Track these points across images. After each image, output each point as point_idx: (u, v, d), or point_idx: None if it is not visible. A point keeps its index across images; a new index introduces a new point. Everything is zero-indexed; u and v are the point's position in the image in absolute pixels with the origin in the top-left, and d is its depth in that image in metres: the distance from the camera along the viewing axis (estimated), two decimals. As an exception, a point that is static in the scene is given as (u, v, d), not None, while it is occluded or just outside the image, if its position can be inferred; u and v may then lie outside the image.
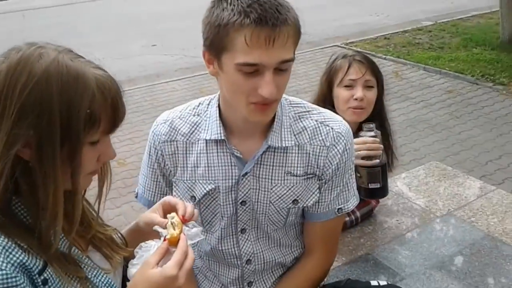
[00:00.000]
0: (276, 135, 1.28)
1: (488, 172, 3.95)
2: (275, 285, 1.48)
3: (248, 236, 1.39)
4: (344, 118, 1.69)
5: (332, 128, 1.32)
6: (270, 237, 1.41)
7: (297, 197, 1.33)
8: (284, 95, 1.35)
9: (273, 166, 1.30)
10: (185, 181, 1.34)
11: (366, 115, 1.90)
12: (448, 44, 7.24)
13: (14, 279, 0.83)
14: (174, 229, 1.02)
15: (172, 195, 1.38)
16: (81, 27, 8.82)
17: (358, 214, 2.10)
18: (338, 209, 1.39)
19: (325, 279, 1.55)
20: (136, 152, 4.41)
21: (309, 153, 1.31)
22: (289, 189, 1.32)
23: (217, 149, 1.30)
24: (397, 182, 2.43)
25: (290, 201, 1.33)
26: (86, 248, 1.06)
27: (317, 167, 1.32)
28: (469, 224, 2.11)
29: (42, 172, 0.86)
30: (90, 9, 10.36)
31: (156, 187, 1.39)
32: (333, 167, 1.32)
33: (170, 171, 1.35)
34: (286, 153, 1.30)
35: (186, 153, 1.33)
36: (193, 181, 1.33)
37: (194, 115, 1.34)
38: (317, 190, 1.35)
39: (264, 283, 1.47)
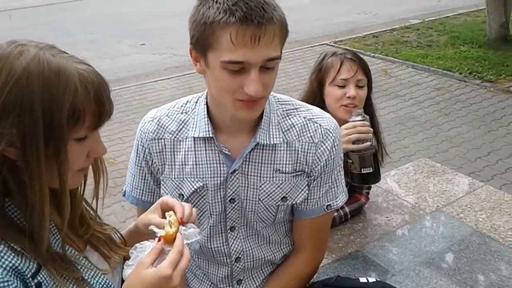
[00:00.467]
0: (264, 132, 1.27)
1: (477, 169, 3.99)
2: (264, 282, 1.47)
3: (237, 234, 1.39)
4: (335, 116, 1.70)
5: (320, 125, 1.32)
6: (260, 234, 1.40)
7: (286, 194, 1.33)
8: (272, 93, 1.34)
9: (261, 163, 1.30)
10: (173, 179, 1.33)
11: None
12: (436, 42, 7.30)
13: (6, 283, 0.81)
14: (170, 227, 1.01)
15: (160, 193, 1.37)
16: (69, 27, 8.74)
17: (347, 210, 2.10)
18: (327, 205, 1.39)
19: (315, 276, 1.55)
20: (126, 151, 4.39)
21: (298, 150, 1.31)
22: (278, 186, 1.31)
23: (205, 146, 1.29)
24: (387, 179, 2.43)
25: (279, 198, 1.33)
26: (83, 249, 1.04)
27: (305, 164, 1.32)
28: (458, 220, 2.12)
29: (28, 171, 0.84)
30: (77, 8, 10.26)
31: (144, 185, 1.38)
32: (322, 163, 1.32)
33: (158, 169, 1.34)
34: (275, 150, 1.30)
35: (173, 151, 1.32)
36: (181, 179, 1.32)
37: (181, 113, 1.33)
38: (306, 187, 1.35)
39: (254, 280, 1.47)
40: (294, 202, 1.35)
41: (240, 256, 1.41)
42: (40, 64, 0.83)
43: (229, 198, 1.32)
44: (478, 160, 4.14)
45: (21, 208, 0.89)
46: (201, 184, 1.31)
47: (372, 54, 6.87)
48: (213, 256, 1.42)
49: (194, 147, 1.30)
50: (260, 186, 1.31)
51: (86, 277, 0.98)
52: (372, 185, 2.21)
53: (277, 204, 1.33)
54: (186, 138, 1.31)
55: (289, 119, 1.32)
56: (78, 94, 0.86)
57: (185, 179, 1.32)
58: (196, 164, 1.30)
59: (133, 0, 11.11)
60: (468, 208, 2.19)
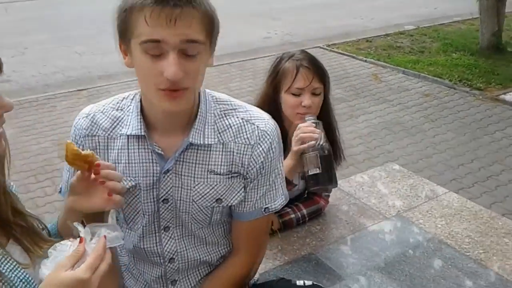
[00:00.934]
0: (198, 132, 1.24)
1: (459, 176, 3.96)
2: (200, 283, 1.45)
3: (171, 234, 1.36)
4: (292, 122, 1.69)
5: (257, 127, 1.29)
6: (195, 235, 1.38)
7: (221, 196, 1.30)
8: (211, 92, 1.32)
9: (195, 163, 1.27)
10: None
11: None
12: (429, 48, 7.28)
13: None
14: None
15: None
16: (62, 21, 8.74)
17: (305, 212, 2.08)
18: (265, 208, 1.36)
19: (257, 278, 1.53)
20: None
21: (233, 152, 1.28)
22: (212, 187, 1.29)
23: (138, 145, 1.27)
24: (350, 182, 2.42)
25: (214, 200, 1.30)
26: (5, 242, 1.02)
27: (241, 166, 1.29)
28: (416, 226, 2.10)
29: None
30: (71, 4, 10.28)
31: None
32: (258, 166, 1.30)
33: None
34: (209, 151, 1.27)
35: (107, 149, 1.29)
36: None
37: (116, 110, 1.30)
38: (242, 189, 1.32)
39: (189, 281, 1.44)
40: (229, 204, 1.32)
41: (174, 256, 1.39)
42: None
43: (162, 198, 1.30)
44: (461, 167, 4.12)
45: None
46: (133, 183, 1.28)
47: (364, 58, 6.85)
48: (146, 256, 1.39)
49: (127, 145, 1.27)
50: (194, 187, 1.28)
51: (3, 270, 0.95)
52: (333, 189, 2.19)
53: (211, 206, 1.31)
54: (119, 136, 1.28)
55: (226, 119, 1.29)
56: None
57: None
58: (128, 163, 1.28)
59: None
60: (428, 214, 2.17)
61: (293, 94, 1.88)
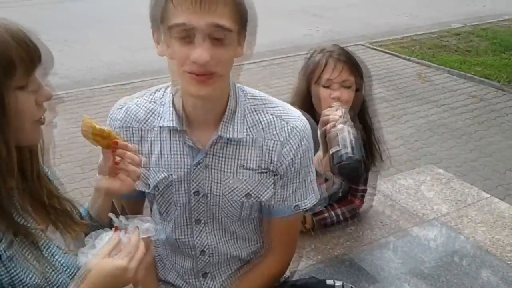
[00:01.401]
0: (228, 126, 1.25)
1: (505, 182, 3.82)
2: (231, 278, 1.46)
3: (203, 227, 1.38)
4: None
5: (287, 123, 1.29)
6: (226, 229, 1.39)
7: (250, 191, 1.30)
8: (242, 86, 1.32)
9: (225, 157, 1.28)
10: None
11: None
12: (476, 48, 7.03)
13: None
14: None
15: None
16: (109, 17, 8.96)
17: (339, 211, 2.06)
18: (295, 206, 1.36)
19: (287, 275, 1.53)
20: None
21: (263, 147, 1.28)
22: (242, 182, 1.29)
23: (170, 137, 1.29)
24: (389, 183, 2.37)
25: (243, 195, 1.30)
26: (45, 227, 1.05)
27: (271, 162, 1.29)
28: (457, 231, 2.03)
29: None
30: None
31: None
32: (287, 162, 1.29)
33: None
34: (240, 145, 1.27)
35: (141, 140, 1.32)
36: (147, 168, 1.32)
37: (150, 102, 1.32)
38: (272, 186, 1.32)
39: (220, 275, 1.46)
40: (259, 200, 1.32)
41: (205, 249, 1.40)
42: None
43: (193, 191, 1.31)
44: (508, 172, 3.97)
45: None
46: (165, 174, 1.30)
47: (408, 57, 6.69)
48: (178, 247, 1.42)
49: (160, 137, 1.30)
50: (224, 181, 1.29)
51: (46, 255, 0.99)
52: (368, 188, 2.15)
53: (241, 200, 1.31)
54: (153, 128, 1.30)
55: (257, 114, 1.29)
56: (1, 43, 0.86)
57: (150, 169, 1.32)
58: (161, 154, 1.30)
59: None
60: (470, 220, 2.10)
61: (323, 86, 1.85)
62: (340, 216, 2.06)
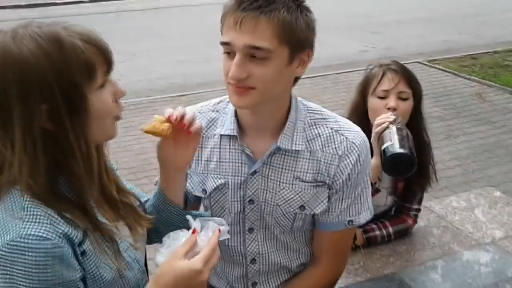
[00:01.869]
0: (287, 137, 1.28)
1: None
2: (280, 288, 1.47)
3: (255, 236, 1.40)
4: None
5: (346, 138, 1.30)
6: (278, 239, 1.41)
7: (304, 203, 1.32)
8: (302, 100, 1.35)
9: (282, 168, 1.31)
10: (198, 173, 1.38)
11: None
12: (542, 68, 6.73)
13: (60, 249, 0.88)
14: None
15: (186, 186, 1.42)
16: (169, 31, 9.29)
17: (390, 230, 2.02)
18: (349, 221, 1.36)
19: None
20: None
21: (320, 161, 1.30)
22: (297, 194, 1.31)
23: (229, 145, 1.33)
24: (443, 204, 2.31)
25: (297, 206, 1.32)
26: (114, 221, 1.08)
27: (327, 176, 1.31)
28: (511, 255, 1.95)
29: (68, 136, 0.91)
30: (177, 15, 10.89)
31: None
32: (344, 177, 1.30)
33: None
34: (297, 157, 1.30)
35: (201, 147, 1.37)
36: (205, 174, 1.37)
37: (213, 111, 1.38)
38: (326, 199, 1.33)
39: (269, 285, 1.47)
40: (312, 212, 1.34)
41: (256, 258, 1.43)
42: (36, 40, 0.88)
43: (248, 199, 1.35)
44: None
45: (70, 180, 0.96)
46: (222, 181, 1.35)
47: (468, 76, 6.52)
48: (230, 255, 1.45)
49: (220, 145, 1.35)
50: (279, 191, 1.32)
51: (120, 249, 1.03)
52: (423, 210, 2.11)
53: (294, 212, 1.33)
54: (213, 135, 1.36)
55: (316, 128, 1.32)
56: (80, 49, 0.91)
57: (208, 175, 1.37)
58: (219, 161, 1.35)
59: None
60: (527, 246, 2.01)
61: (379, 97, 1.85)
62: (392, 235, 2.03)
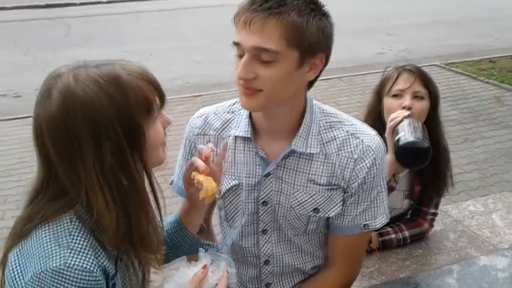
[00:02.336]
0: (301, 140, 1.27)
1: None
2: (293, 290, 1.47)
3: (269, 238, 1.40)
4: None
5: (362, 141, 1.29)
6: (292, 242, 1.40)
7: (318, 206, 1.31)
8: (318, 103, 1.34)
9: (296, 171, 1.30)
10: None
11: None
12: (562, 72, 6.61)
13: (100, 283, 0.91)
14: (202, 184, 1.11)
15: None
16: (185, 31, 9.33)
17: (406, 233, 2.00)
18: (364, 225, 1.35)
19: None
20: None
21: (335, 164, 1.29)
22: (311, 196, 1.31)
23: (244, 146, 1.33)
24: (460, 208, 2.28)
25: (311, 209, 1.32)
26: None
27: (342, 179, 1.30)
28: (531, 263, 1.92)
29: (132, 168, 0.96)
30: (193, 15, 10.93)
31: None
32: (359, 181, 1.29)
33: None
34: (311, 160, 1.29)
35: (215, 147, 1.37)
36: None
37: (228, 112, 1.38)
38: (341, 203, 1.32)
39: (282, 286, 1.47)
40: (326, 215, 1.33)
41: (269, 259, 1.42)
42: (98, 82, 0.92)
43: (261, 201, 1.34)
44: None
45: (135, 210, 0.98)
46: (236, 182, 1.35)
47: (486, 80, 6.43)
48: (243, 255, 1.45)
49: (234, 146, 1.35)
50: (293, 194, 1.31)
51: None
52: (440, 214, 2.09)
53: (308, 214, 1.33)
54: (228, 137, 1.36)
55: (331, 131, 1.31)
56: (138, 88, 0.95)
57: (223, 175, 1.36)
58: (234, 163, 1.35)
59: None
60: (547, 252, 1.97)
61: (394, 96, 1.83)
62: (408, 238, 2.00)
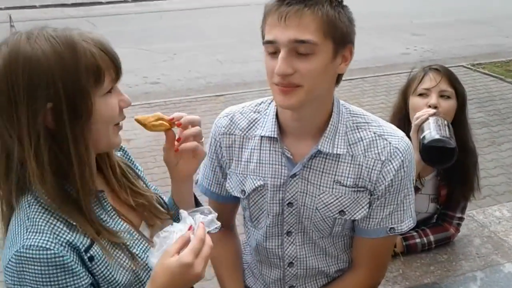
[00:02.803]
0: (327, 141, 1.27)
1: None
2: (317, 293, 1.46)
3: (293, 240, 1.40)
4: None
5: (390, 143, 1.28)
6: (316, 244, 1.40)
7: (344, 208, 1.30)
8: (345, 103, 1.34)
9: (322, 172, 1.29)
10: (237, 174, 1.39)
11: None
12: None
13: (61, 258, 0.91)
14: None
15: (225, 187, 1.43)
16: (208, 30, 9.37)
17: (431, 238, 1.97)
18: (391, 228, 1.34)
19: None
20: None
21: (362, 165, 1.28)
22: (337, 198, 1.30)
23: (270, 146, 1.33)
24: (486, 214, 2.23)
25: (337, 211, 1.31)
26: (138, 224, 1.13)
27: (369, 181, 1.28)
28: (561, 271, 1.87)
29: (66, 137, 0.94)
30: (218, 14, 10.97)
31: (213, 176, 1.46)
32: (386, 183, 1.27)
33: (226, 162, 1.41)
34: (338, 161, 1.28)
35: (241, 147, 1.38)
36: (245, 175, 1.37)
37: (254, 112, 1.38)
38: (367, 205, 1.31)
39: (306, 289, 1.47)
40: (352, 218, 1.32)
41: (293, 261, 1.42)
42: (49, 41, 0.91)
43: (287, 202, 1.34)
44: None
45: (72, 181, 0.97)
46: (261, 182, 1.34)
47: (514, 81, 6.29)
48: (267, 257, 1.45)
49: (260, 146, 1.34)
50: (319, 195, 1.30)
51: (137, 252, 1.06)
52: (466, 219, 2.05)
53: (334, 216, 1.32)
54: (254, 137, 1.36)
55: (358, 132, 1.30)
56: (90, 54, 0.94)
57: (248, 175, 1.37)
58: (259, 163, 1.35)
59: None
60: None
61: (420, 96, 1.81)
62: (433, 243, 1.98)
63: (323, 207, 1.31)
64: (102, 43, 0.98)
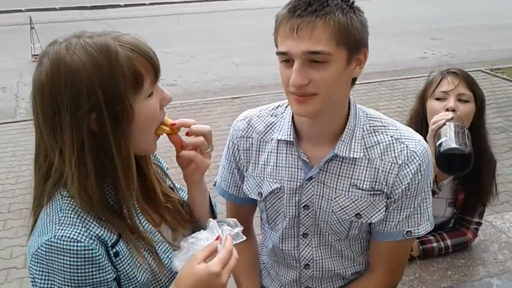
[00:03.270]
0: (344, 144, 1.27)
1: None
2: (333, 295, 1.46)
3: (309, 242, 1.40)
4: None
5: (407, 146, 1.27)
6: (332, 246, 1.40)
7: (361, 211, 1.30)
8: (362, 107, 1.34)
9: (338, 175, 1.30)
10: (255, 177, 1.40)
11: None
12: None
13: (91, 252, 0.93)
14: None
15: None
16: (225, 34, 9.43)
17: (449, 243, 1.96)
18: (407, 231, 1.33)
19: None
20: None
21: (379, 169, 1.28)
22: (353, 201, 1.30)
23: (286, 150, 1.34)
24: (504, 219, 2.21)
25: (353, 214, 1.31)
26: (159, 224, 1.14)
27: (385, 185, 1.28)
28: None
29: (109, 142, 0.96)
30: (234, 18, 11.03)
31: (231, 179, 1.47)
32: (403, 187, 1.27)
33: (244, 165, 1.42)
34: (354, 164, 1.28)
35: (259, 150, 1.39)
36: (262, 178, 1.38)
37: (271, 116, 1.39)
38: (384, 208, 1.30)
39: (322, 291, 1.47)
40: (369, 221, 1.32)
41: (309, 263, 1.43)
42: (87, 49, 0.93)
43: (303, 204, 1.34)
44: None
45: (117, 185, 1.00)
46: (278, 185, 1.35)
47: (533, 86, 6.21)
48: (284, 258, 1.45)
49: (277, 149, 1.35)
50: (335, 198, 1.31)
51: (158, 251, 1.08)
52: (484, 224, 2.03)
53: (350, 220, 1.32)
54: (271, 140, 1.36)
55: (375, 135, 1.29)
56: (127, 59, 0.94)
57: (265, 178, 1.37)
58: (276, 166, 1.35)
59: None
60: None
61: (437, 99, 1.79)
62: (450, 248, 1.96)
63: (339, 210, 1.31)
64: (139, 45, 0.98)
